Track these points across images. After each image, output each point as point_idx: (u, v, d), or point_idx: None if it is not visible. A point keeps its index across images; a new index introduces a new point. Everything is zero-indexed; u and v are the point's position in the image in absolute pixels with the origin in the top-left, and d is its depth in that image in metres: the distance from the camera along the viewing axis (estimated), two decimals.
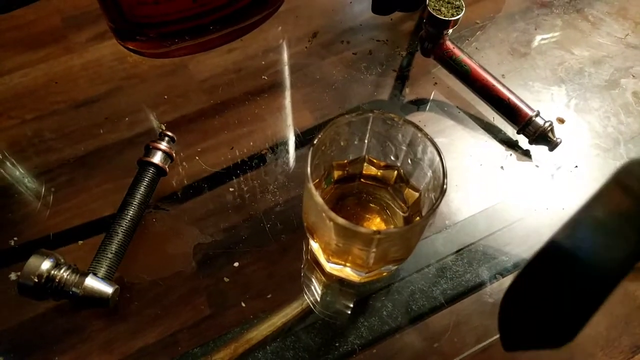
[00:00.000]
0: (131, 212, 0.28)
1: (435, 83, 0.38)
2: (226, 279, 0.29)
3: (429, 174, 0.26)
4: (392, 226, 0.29)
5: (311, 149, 0.23)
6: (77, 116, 0.35)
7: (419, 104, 0.37)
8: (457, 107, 0.37)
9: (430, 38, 0.36)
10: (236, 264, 0.29)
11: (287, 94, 0.38)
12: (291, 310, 0.29)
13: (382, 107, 0.37)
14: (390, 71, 0.39)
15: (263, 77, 0.38)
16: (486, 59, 0.40)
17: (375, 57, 0.40)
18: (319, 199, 0.22)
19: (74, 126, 0.35)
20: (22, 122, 0.35)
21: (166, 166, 0.31)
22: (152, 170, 0.30)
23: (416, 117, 0.37)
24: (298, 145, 0.35)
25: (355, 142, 0.27)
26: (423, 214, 0.26)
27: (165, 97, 0.37)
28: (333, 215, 0.22)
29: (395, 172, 0.28)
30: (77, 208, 0.31)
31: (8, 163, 0.33)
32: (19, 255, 0.29)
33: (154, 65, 0.38)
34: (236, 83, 0.38)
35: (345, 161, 0.28)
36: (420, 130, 0.25)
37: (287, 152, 0.34)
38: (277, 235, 0.30)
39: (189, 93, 0.37)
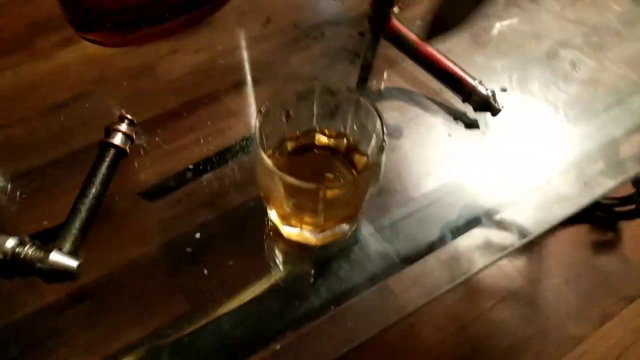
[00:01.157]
0: (93, 190, 0.29)
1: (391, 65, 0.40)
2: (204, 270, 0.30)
3: (374, 136, 0.27)
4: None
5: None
6: (46, 122, 0.36)
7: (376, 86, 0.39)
8: (410, 87, 0.39)
9: (376, 17, 0.38)
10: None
11: (252, 90, 0.39)
12: (255, 280, 0.30)
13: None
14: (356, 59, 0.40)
15: (230, 75, 0.39)
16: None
17: (334, 44, 0.41)
18: (267, 160, 0.24)
19: (43, 132, 0.35)
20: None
21: (127, 147, 0.32)
22: (112, 150, 0.31)
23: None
24: None
25: (305, 113, 0.29)
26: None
27: (134, 99, 0.37)
28: (280, 173, 0.23)
29: (345, 140, 0.30)
30: (48, 213, 0.31)
31: None
32: None
33: (121, 68, 0.39)
34: (204, 82, 0.38)
35: (297, 132, 0.30)
36: (363, 97, 0.27)
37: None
38: (242, 220, 0.32)
39: (158, 94, 0.37)
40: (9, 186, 0.33)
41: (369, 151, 0.29)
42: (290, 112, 0.28)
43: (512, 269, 0.82)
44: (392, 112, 0.37)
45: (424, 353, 0.78)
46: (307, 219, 0.27)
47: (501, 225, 0.32)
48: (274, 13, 0.43)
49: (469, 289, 0.79)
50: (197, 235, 0.30)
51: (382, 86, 0.39)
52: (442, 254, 0.31)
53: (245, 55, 0.41)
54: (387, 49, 0.38)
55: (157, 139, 0.35)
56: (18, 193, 0.32)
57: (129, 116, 0.33)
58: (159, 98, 0.37)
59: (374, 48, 0.38)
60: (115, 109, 0.35)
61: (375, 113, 0.26)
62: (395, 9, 0.37)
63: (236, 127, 0.36)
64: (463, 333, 0.81)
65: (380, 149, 0.24)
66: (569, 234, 0.87)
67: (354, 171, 0.30)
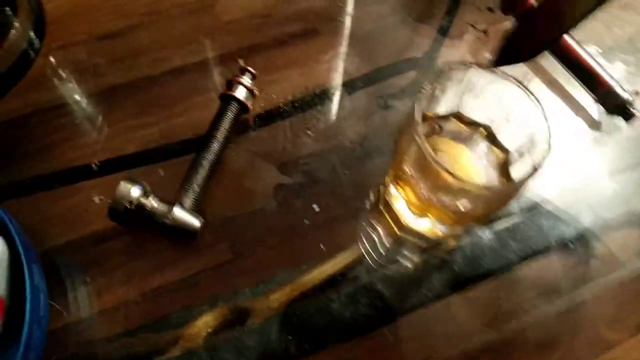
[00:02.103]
0: (215, 146, 0.28)
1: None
2: (306, 221, 0.29)
3: (525, 135, 0.25)
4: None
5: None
6: (99, 49, 0.34)
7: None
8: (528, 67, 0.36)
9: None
10: (315, 207, 0.29)
11: (318, 42, 0.36)
12: (353, 256, 0.29)
13: (416, 64, 0.36)
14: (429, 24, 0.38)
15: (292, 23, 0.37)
16: None
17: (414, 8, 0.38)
18: (428, 149, 0.22)
19: (97, 59, 0.34)
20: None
21: (248, 102, 0.30)
22: (235, 105, 0.29)
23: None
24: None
25: (450, 95, 0.27)
26: (513, 175, 0.26)
27: (189, 36, 0.35)
28: (445, 167, 0.22)
29: (482, 130, 0.28)
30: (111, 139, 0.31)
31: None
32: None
33: (177, 4, 0.37)
34: (264, 28, 0.36)
35: (435, 114, 0.28)
36: (524, 88, 0.25)
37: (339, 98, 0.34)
38: (350, 181, 0.30)
39: (214, 34, 0.36)
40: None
41: (513, 148, 0.27)
42: (436, 91, 0.26)
43: (559, 264, 0.81)
44: None
45: (454, 336, 0.78)
46: (441, 212, 0.26)
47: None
48: None
49: (513, 278, 0.78)
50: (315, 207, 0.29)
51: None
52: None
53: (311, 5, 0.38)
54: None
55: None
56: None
57: (250, 69, 0.31)
58: (216, 39, 0.35)
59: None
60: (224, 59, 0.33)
61: (539, 109, 0.24)
62: None
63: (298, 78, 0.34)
64: (496, 322, 0.81)
65: (544, 155, 0.23)
66: (625, 238, 0.85)
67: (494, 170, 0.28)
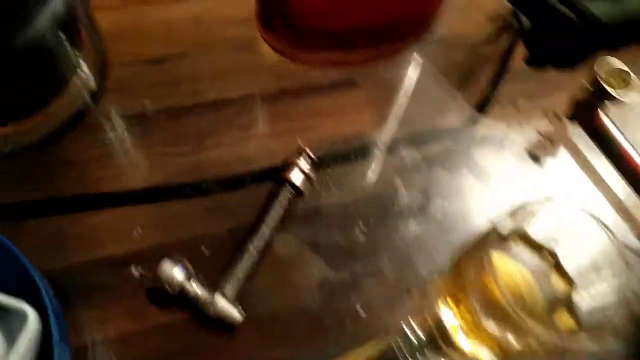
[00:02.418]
0: (267, 233, 0.27)
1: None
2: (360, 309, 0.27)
3: (594, 269, 0.24)
4: None
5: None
6: (142, 72, 0.34)
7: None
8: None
9: (586, 105, 0.34)
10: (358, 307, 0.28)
11: (356, 94, 0.36)
12: None
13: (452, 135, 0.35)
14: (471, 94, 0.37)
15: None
16: None
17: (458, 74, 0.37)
18: (507, 296, 0.20)
19: (138, 81, 0.34)
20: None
21: (304, 188, 0.29)
22: (291, 191, 0.28)
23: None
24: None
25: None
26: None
27: (232, 71, 0.35)
28: (523, 316, 0.20)
29: (547, 254, 0.27)
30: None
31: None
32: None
33: (225, 38, 0.36)
34: (304, 73, 0.36)
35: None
36: (598, 219, 0.23)
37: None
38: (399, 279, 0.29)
39: (256, 73, 0.35)
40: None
41: (583, 282, 0.25)
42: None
43: None
44: None
45: None
46: (496, 344, 0.24)
47: None
48: None
49: None
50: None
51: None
52: None
53: None
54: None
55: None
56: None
57: (310, 152, 0.30)
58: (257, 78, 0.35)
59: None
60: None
61: (615, 247, 0.22)
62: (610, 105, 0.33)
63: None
64: None
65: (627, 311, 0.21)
66: None
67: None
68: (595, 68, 0.33)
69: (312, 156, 0.30)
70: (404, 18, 0.34)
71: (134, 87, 0.33)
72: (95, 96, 0.32)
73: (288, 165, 0.29)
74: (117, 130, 0.32)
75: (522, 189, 0.33)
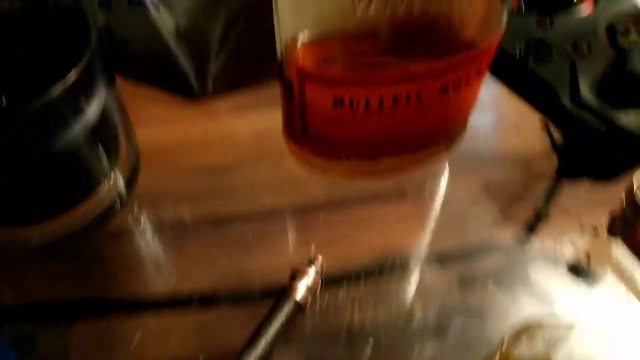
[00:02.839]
0: (264, 347, 0.25)
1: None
2: None
3: None
4: None
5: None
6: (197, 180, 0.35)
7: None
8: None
9: (625, 219, 0.32)
10: None
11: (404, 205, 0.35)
12: None
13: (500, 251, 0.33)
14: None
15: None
16: None
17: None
18: None
19: (194, 189, 0.35)
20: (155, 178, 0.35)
21: (305, 303, 0.28)
22: (292, 305, 0.27)
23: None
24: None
25: None
26: None
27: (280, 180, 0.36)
28: None
29: None
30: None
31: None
32: None
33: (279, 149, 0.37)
34: (352, 183, 0.36)
35: None
36: None
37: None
38: None
39: (303, 182, 0.35)
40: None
41: None
42: None
43: None
44: None
45: None
46: None
47: None
48: None
49: None
50: None
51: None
52: None
53: None
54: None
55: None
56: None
57: (321, 262, 0.29)
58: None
59: None
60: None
61: None
62: None
63: None
64: None
65: None
66: None
67: None
68: (634, 180, 0.31)
69: (323, 266, 0.29)
70: (432, 129, 0.34)
71: (171, 194, 0.35)
72: (125, 201, 0.34)
73: (294, 276, 0.28)
74: (147, 235, 0.33)
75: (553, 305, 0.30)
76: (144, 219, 0.34)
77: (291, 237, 0.34)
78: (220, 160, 0.37)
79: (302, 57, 0.29)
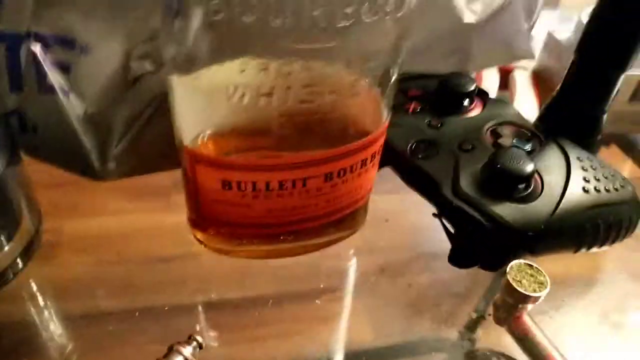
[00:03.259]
0: None
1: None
2: None
3: None
4: None
5: None
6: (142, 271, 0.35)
7: None
8: None
9: (505, 307, 0.33)
10: None
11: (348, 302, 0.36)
12: None
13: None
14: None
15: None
16: (569, 328, 0.36)
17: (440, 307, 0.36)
18: None
19: (132, 279, 0.35)
20: (97, 262, 0.36)
21: None
22: None
23: None
24: None
25: None
26: None
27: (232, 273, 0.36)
28: None
29: None
30: None
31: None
32: None
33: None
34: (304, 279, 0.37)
35: None
36: None
37: None
38: None
39: (257, 275, 0.36)
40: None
41: None
42: None
43: None
44: None
45: None
46: None
47: None
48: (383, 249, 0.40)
49: None
50: None
51: None
52: None
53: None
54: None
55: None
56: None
57: (199, 339, 0.29)
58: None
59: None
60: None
61: None
62: (529, 306, 0.32)
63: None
64: None
65: None
66: None
67: None
68: (508, 270, 0.33)
69: (201, 342, 0.29)
70: (325, 214, 0.36)
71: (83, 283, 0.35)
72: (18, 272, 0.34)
73: (172, 351, 0.28)
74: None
75: None
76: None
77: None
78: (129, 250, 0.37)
79: (199, 147, 0.31)
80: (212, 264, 0.37)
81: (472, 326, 0.36)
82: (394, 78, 0.31)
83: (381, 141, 0.34)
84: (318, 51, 0.26)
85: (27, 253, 0.34)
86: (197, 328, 0.32)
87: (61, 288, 0.34)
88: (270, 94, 0.27)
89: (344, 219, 0.37)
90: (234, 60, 0.27)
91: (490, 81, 0.55)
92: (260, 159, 0.31)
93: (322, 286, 0.36)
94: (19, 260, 0.33)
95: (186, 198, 0.35)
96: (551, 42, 0.57)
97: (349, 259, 0.39)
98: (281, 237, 0.36)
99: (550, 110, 0.42)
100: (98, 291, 0.34)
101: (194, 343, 0.29)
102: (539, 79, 0.59)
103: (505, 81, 0.59)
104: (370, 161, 0.34)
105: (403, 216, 0.42)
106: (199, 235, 0.37)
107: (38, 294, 0.34)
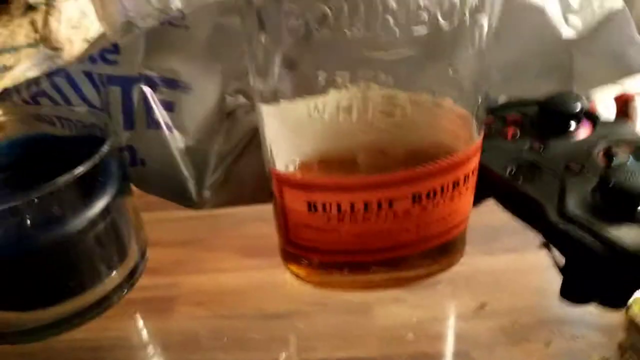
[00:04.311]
0: None
1: None
2: None
3: None
4: None
5: None
6: (255, 327, 0.35)
7: None
8: None
9: (633, 349, 0.28)
10: None
11: None
12: None
13: None
14: None
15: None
16: None
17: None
18: None
19: (250, 334, 0.35)
20: (213, 315, 0.37)
21: None
22: None
23: None
24: None
25: None
26: None
27: (341, 331, 0.35)
28: None
29: None
30: None
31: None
32: None
33: (340, 300, 0.37)
34: (413, 341, 0.34)
35: None
36: None
37: None
38: None
39: (365, 336, 0.34)
40: None
41: None
42: None
43: None
44: None
45: None
46: None
47: None
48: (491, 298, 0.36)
49: None
50: None
51: None
52: None
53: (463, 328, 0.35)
54: None
55: None
56: None
57: None
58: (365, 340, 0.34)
59: None
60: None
61: None
62: None
63: None
64: None
65: None
66: None
67: None
68: (632, 307, 0.28)
69: None
70: (415, 241, 0.34)
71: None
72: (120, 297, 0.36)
73: None
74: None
75: None
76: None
77: None
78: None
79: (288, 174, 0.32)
80: (322, 321, 0.36)
81: None
82: (483, 92, 0.30)
83: (474, 162, 0.32)
84: (395, 60, 0.26)
85: (130, 280, 0.36)
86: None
87: (177, 340, 0.35)
88: (349, 108, 0.27)
89: (439, 250, 0.35)
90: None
91: (603, 110, 0.51)
92: (343, 179, 0.30)
93: (430, 351, 0.34)
94: (123, 286, 0.35)
95: (277, 227, 0.36)
96: None
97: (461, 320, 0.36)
98: (372, 268, 0.35)
99: None
100: (212, 343, 0.35)
101: None
102: None
103: (626, 111, 0.54)
104: (463, 184, 0.32)
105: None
106: (292, 267, 0.37)
107: (154, 345, 0.36)
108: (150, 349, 0.35)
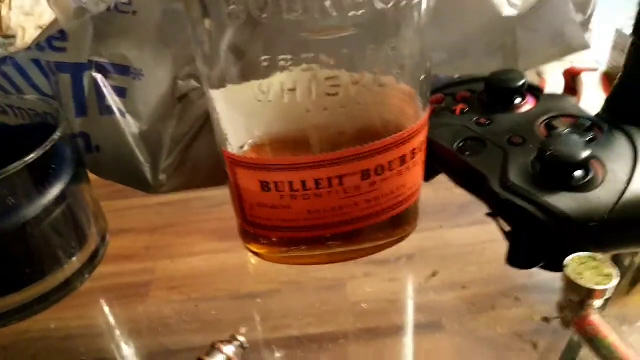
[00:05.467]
0: None
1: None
2: None
3: None
4: None
5: None
6: (230, 308, 0.36)
7: None
8: None
9: (570, 307, 0.30)
10: None
11: (435, 338, 0.34)
12: None
13: None
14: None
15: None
16: None
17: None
18: None
19: (224, 316, 0.36)
20: (187, 299, 0.37)
21: None
22: None
23: None
24: None
25: None
26: None
27: (314, 309, 0.36)
28: None
29: None
30: None
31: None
32: None
33: (315, 278, 0.38)
34: (388, 314, 0.35)
35: None
36: None
37: None
38: None
39: (338, 312, 0.36)
40: None
41: None
42: None
43: None
44: None
45: None
46: None
47: None
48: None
49: None
50: None
51: None
52: None
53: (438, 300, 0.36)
54: None
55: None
56: None
57: (241, 338, 0.30)
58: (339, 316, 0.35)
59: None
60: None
61: None
62: (596, 302, 0.29)
63: None
64: None
65: None
66: None
67: None
68: (566, 266, 0.30)
69: (243, 341, 0.30)
70: (367, 215, 0.35)
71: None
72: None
73: (213, 349, 0.29)
74: None
75: None
76: None
77: None
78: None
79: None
80: (295, 299, 0.37)
81: None
82: (425, 70, 0.31)
83: (421, 138, 0.34)
84: (336, 42, 0.26)
85: (91, 264, 0.36)
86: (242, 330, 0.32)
87: (152, 325, 0.36)
88: (294, 90, 0.28)
89: (391, 223, 0.36)
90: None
91: (554, 85, 0.52)
92: (294, 158, 0.31)
93: (402, 322, 0.35)
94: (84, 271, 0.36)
95: (234, 208, 0.37)
96: (621, 40, 0.54)
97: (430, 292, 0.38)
98: (329, 242, 0.36)
99: (613, 98, 0.39)
100: (186, 326, 0.36)
101: (237, 342, 0.30)
102: (610, 79, 0.55)
103: (573, 86, 0.56)
104: (411, 158, 0.33)
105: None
106: (252, 246, 0.38)
107: (130, 330, 0.36)
108: (126, 335, 0.36)
